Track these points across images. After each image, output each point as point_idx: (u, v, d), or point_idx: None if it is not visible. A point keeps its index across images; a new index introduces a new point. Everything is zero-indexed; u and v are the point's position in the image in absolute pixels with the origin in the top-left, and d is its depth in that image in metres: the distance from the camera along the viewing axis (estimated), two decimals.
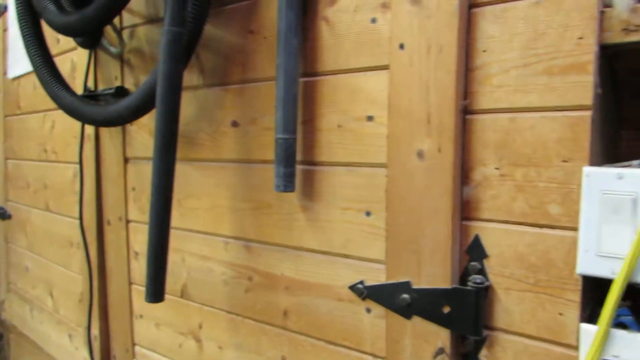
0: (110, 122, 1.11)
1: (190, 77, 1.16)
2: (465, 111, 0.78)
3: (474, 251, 0.78)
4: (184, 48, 0.94)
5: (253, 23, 1.02)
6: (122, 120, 1.09)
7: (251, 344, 1.09)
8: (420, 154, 0.79)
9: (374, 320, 0.88)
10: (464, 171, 0.78)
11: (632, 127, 0.79)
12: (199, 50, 1.12)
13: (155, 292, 0.98)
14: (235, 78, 1.08)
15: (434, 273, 0.79)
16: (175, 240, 1.23)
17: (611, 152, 0.81)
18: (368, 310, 0.89)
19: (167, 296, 1.27)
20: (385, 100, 0.84)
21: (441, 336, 0.79)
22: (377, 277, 0.88)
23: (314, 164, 0.95)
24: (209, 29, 1.09)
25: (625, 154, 0.80)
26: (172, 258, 1.24)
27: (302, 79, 0.95)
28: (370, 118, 0.87)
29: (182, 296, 1.25)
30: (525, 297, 0.73)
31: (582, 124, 0.68)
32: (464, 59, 0.77)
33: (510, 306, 0.75)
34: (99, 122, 1.16)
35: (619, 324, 0.68)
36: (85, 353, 1.56)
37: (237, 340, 1.13)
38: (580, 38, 0.68)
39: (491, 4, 0.75)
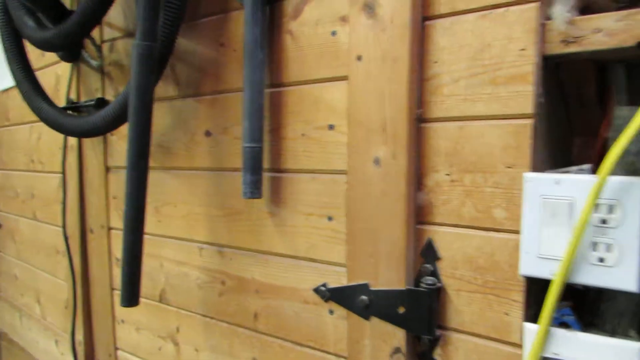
0: (87, 133, 1.15)
1: (166, 89, 1.19)
2: (420, 120, 0.81)
3: (427, 254, 0.81)
4: (155, 61, 0.97)
5: (223, 36, 1.06)
6: (99, 131, 1.13)
7: (225, 346, 1.12)
8: (376, 161, 0.83)
9: (337, 321, 0.91)
10: (417, 177, 0.81)
11: (580, 134, 0.82)
12: (174, 62, 1.16)
13: (130, 297, 1.01)
14: (208, 89, 1.11)
15: (390, 275, 0.82)
16: (153, 246, 1.27)
17: (563, 158, 0.84)
18: (331, 312, 0.92)
19: (146, 301, 1.31)
20: (345, 109, 0.88)
21: (397, 336, 0.82)
22: (339, 279, 0.91)
23: (280, 171, 0.98)
24: (183, 42, 1.13)
25: (576, 159, 0.83)
26: (151, 264, 1.28)
27: (269, 90, 0.99)
28: (331, 127, 0.90)
29: (160, 301, 1.28)
30: (474, 298, 0.76)
31: (524, 132, 0.71)
32: (418, 70, 0.80)
33: (461, 306, 0.78)
34: (78, 133, 1.20)
35: (562, 324, 0.71)
36: (70, 359, 1.59)
37: (212, 343, 1.16)
38: (523, 49, 0.71)
39: (442, 17, 0.78)
